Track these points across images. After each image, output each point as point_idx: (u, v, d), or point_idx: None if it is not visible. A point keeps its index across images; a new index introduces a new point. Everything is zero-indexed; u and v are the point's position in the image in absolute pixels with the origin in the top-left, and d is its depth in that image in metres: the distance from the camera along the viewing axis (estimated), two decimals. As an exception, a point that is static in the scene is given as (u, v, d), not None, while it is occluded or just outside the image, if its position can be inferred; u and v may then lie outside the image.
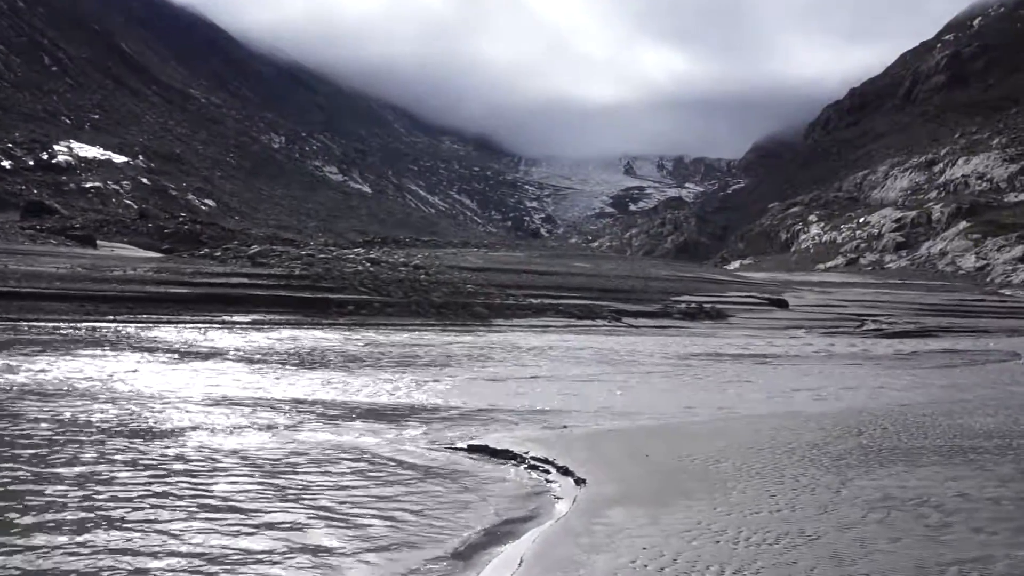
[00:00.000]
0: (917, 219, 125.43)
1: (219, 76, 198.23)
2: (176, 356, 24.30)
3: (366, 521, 9.00)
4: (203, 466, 11.08)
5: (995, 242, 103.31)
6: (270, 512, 9.19)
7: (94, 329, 32.14)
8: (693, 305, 52.12)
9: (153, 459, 11.36)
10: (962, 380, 23.51)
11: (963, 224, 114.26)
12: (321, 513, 9.23)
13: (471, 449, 12.73)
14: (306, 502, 9.62)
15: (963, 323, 51.60)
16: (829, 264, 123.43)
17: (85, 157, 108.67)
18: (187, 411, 15.13)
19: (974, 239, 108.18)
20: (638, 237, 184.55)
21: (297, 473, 10.94)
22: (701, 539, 7.92)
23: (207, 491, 9.91)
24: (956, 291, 79.81)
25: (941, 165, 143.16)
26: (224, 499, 9.60)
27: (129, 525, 8.56)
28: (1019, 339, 42.29)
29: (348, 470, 11.21)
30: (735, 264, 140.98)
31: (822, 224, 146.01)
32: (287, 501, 9.63)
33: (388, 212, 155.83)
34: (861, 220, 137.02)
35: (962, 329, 48.35)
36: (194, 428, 13.59)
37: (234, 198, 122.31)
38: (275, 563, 7.73)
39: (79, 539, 8.12)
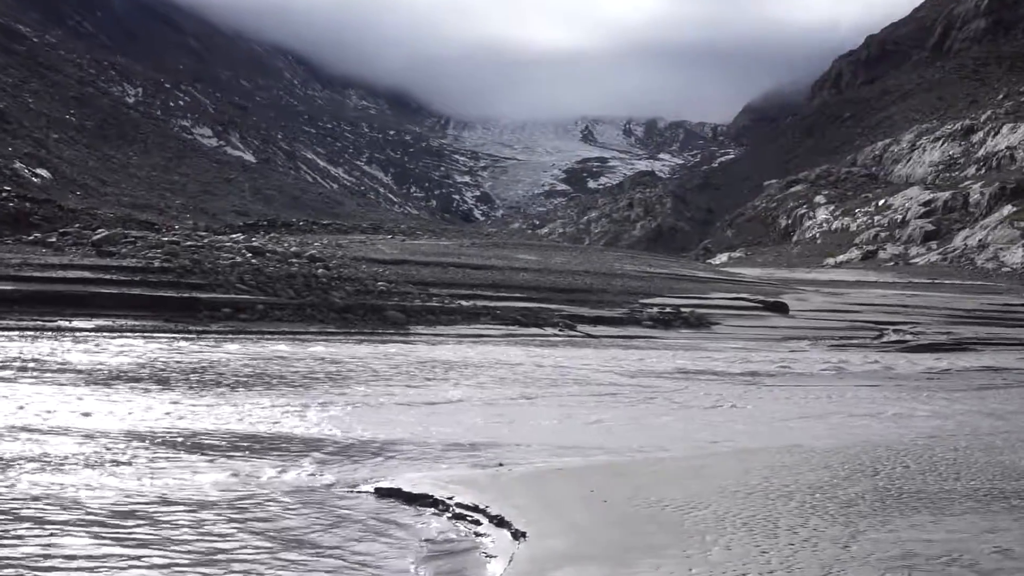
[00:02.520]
0: (951, 202, 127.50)
1: (55, 9, 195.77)
2: (-5, 373, 23.90)
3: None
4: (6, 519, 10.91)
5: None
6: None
7: None
8: (668, 310, 52.41)
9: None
10: (1005, 406, 23.89)
11: (1008, 209, 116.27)
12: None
13: (379, 493, 12.68)
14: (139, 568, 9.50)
15: (1007, 334, 52.47)
16: (841, 258, 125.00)
17: None
18: None
19: (1021, 228, 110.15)
20: (599, 222, 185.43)
21: (127, 524, 10.80)
22: (672, 608, 7.95)
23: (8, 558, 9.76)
24: (999, 293, 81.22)
25: (981, 134, 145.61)
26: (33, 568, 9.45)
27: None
28: (1076, 354, 43.12)
29: (199, 523, 11.08)
30: (722, 257, 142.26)
31: (832, 208, 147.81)
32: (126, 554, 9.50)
33: (277, 187, 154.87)
34: (881, 203, 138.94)
35: (1006, 341, 49.17)
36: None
37: (75, 168, 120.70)
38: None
39: None
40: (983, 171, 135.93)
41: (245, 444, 15.91)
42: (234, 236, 58.41)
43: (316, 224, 77.52)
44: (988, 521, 10.64)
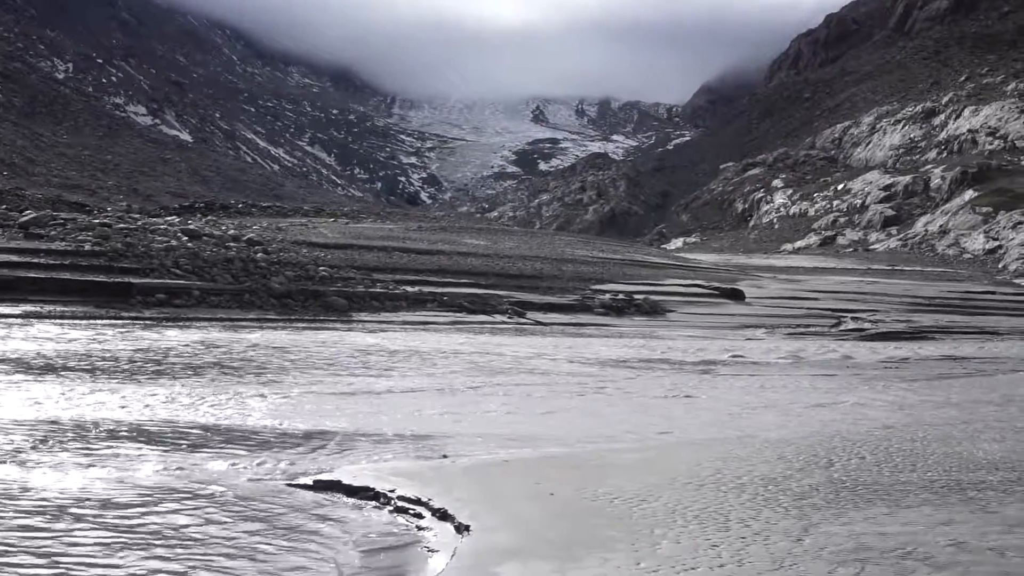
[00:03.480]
0: (911, 186, 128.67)
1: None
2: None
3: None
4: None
5: (1009, 217, 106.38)
6: None
7: None
8: (620, 296, 52.60)
9: None
10: (963, 396, 24.14)
11: (969, 194, 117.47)
12: None
13: (318, 486, 12.66)
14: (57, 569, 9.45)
15: (967, 322, 53.04)
16: (799, 244, 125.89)
17: None
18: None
19: (983, 213, 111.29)
20: (550, 205, 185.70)
21: (44, 527, 10.73)
22: (619, 604, 7.99)
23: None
24: (960, 281, 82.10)
25: (942, 117, 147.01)
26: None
27: None
28: (1037, 343, 43.64)
29: (122, 522, 11.01)
30: (677, 242, 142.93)
31: (790, 192, 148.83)
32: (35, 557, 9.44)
33: (215, 168, 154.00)
34: (840, 187, 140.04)
35: (966, 330, 49.69)
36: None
37: (2, 146, 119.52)
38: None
39: None
40: (944, 155, 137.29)
41: (176, 436, 15.82)
42: (169, 219, 58.08)
43: (255, 206, 77.24)
44: (944, 513, 10.76)
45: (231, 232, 51.86)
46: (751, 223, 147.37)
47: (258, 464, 13.94)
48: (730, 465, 13.38)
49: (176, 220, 56.49)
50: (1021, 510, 10.89)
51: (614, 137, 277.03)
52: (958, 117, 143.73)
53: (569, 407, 20.71)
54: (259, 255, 47.36)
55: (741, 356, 33.82)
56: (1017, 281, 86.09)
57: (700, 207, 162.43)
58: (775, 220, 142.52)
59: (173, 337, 31.93)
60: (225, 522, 11.01)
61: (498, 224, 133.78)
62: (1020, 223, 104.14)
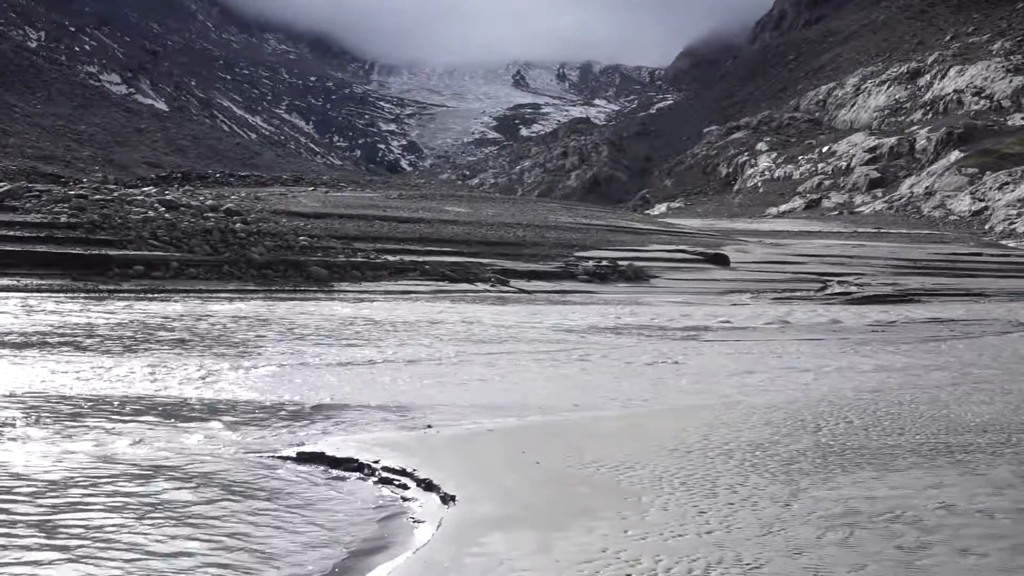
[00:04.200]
0: (897, 148, 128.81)
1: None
2: None
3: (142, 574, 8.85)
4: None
5: (996, 178, 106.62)
6: None
7: None
8: (604, 263, 52.65)
9: None
10: (951, 358, 24.25)
11: (955, 155, 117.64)
12: (70, 556, 9.05)
13: (301, 458, 12.66)
14: (58, 541, 9.44)
15: (954, 284, 53.22)
16: (784, 207, 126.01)
17: None
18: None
19: (969, 174, 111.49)
20: (532, 172, 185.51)
21: (37, 499, 10.73)
22: (606, 572, 8.01)
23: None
24: (946, 243, 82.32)
25: (927, 77, 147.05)
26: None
27: None
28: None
29: (114, 493, 11.01)
30: (661, 207, 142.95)
31: (774, 155, 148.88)
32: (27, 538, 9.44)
33: (192, 137, 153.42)
34: (825, 149, 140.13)
35: (953, 292, 49.86)
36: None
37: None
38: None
39: None
40: (930, 116, 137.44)
41: (161, 408, 15.81)
42: (146, 189, 57.91)
43: (233, 176, 77.07)
44: (933, 476, 10.81)
45: (209, 202, 51.75)
46: (735, 187, 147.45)
47: (240, 437, 13.93)
48: (717, 431, 13.41)
49: (153, 191, 56.32)
50: (1010, 472, 10.94)
51: (596, 101, 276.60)
52: (943, 77, 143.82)
53: (554, 375, 20.74)
54: (238, 225, 47.28)
55: (727, 322, 33.89)
56: (1004, 242, 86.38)
57: (684, 172, 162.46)
58: (759, 184, 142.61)
59: (152, 309, 31.86)
60: (208, 495, 11.01)
61: (480, 191, 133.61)
62: (1006, 184, 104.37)
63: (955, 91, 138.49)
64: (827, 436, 12.98)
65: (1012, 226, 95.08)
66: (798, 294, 48.58)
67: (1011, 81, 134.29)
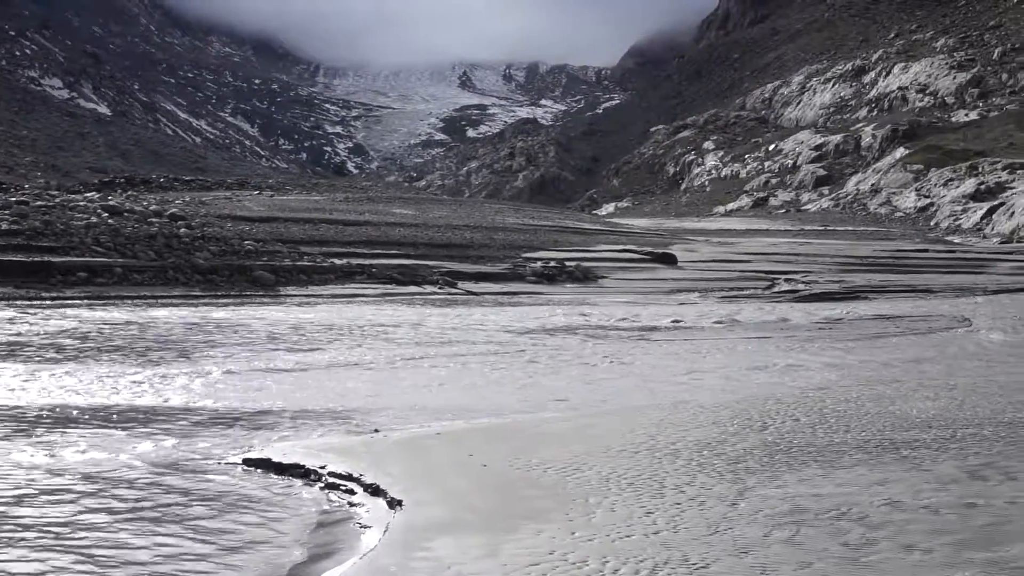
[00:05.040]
0: (843, 145, 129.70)
1: None
2: None
3: None
4: None
5: (940, 175, 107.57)
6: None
7: None
8: (552, 264, 52.70)
9: None
10: (897, 355, 24.46)
11: (900, 151, 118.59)
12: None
13: (248, 464, 12.62)
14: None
15: (900, 281, 53.64)
16: (731, 206, 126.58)
17: None
18: None
19: (914, 171, 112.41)
20: (479, 173, 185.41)
21: None
22: (554, 574, 8.03)
23: None
24: (892, 239, 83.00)
25: (872, 74, 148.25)
26: None
27: None
28: (969, 300, 44.27)
29: (60, 501, 10.94)
30: (609, 207, 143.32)
31: (721, 153, 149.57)
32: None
33: (135, 142, 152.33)
34: (771, 148, 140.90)
35: (899, 288, 50.27)
36: None
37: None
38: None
39: None
40: (875, 113, 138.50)
41: (106, 416, 15.71)
42: (89, 195, 57.45)
43: (178, 180, 76.47)
44: (878, 473, 10.91)
45: (153, 207, 51.39)
46: (683, 186, 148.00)
47: (185, 444, 13.86)
48: (664, 431, 13.47)
49: (96, 196, 55.87)
50: (955, 467, 11.06)
51: (543, 102, 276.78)
52: (888, 74, 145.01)
53: (502, 377, 20.76)
54: (182, 230, 46.97)
55: (675, 321, 34.02)
56: (949, 238, 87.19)
57: (631, 171, 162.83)
58: (707, 183, 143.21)
59: (95, 316, 31.62)
60: (153, 503, 10.95)
61: (426, 193, 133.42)
62: (951, 180, 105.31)
63: (900, 88, 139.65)
64: (774, 434, 13.08)
65: (957, 222, 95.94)
66: (746, 292, 48.83)
67: (955, 78, 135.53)
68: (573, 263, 53.27)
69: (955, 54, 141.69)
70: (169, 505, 10.84)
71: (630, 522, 9.31)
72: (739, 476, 10.95)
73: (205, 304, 37.44)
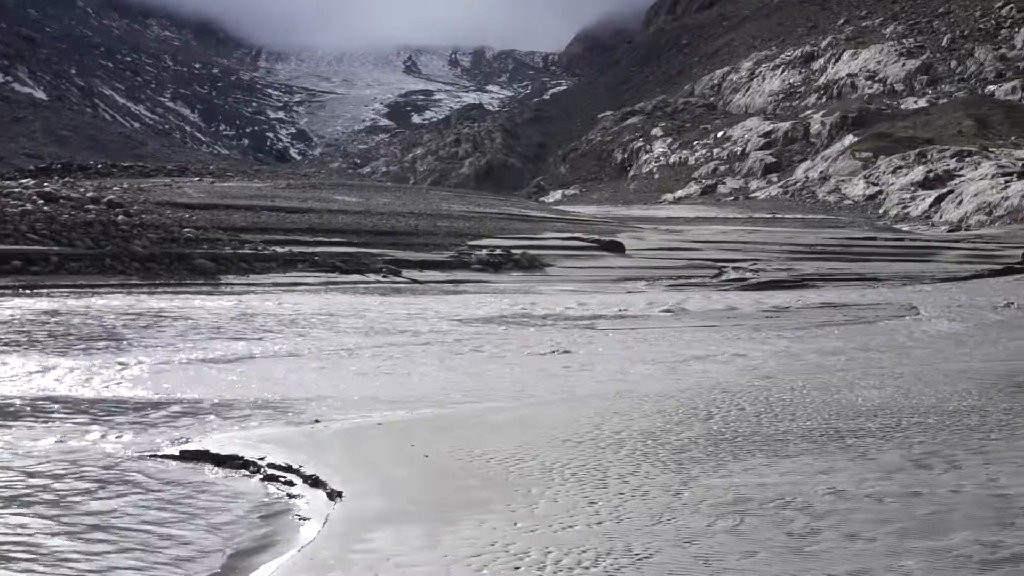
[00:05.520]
0: (791, 133, 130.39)
1: None
2: None
3: None
4: None
5: (889, 162, 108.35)
6: None
7: None
8: (498, 252, 52.72)
9: None
10: (843, 343, 24.64)
11: (849, 139, 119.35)
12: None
13: (185, 456, 12.55)
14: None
15: (849, 269, 54.05)
16: (679, 193, 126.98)
17: None
18: None
19: (863, 159, 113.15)
20: (424, 160, 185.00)
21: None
22: (495, 566, 8.03)
23: None
24: (841, 227, 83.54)
25: (821, 61, 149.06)
26: None
27: None
28: (917, 288, 44.67)
29: None
30: (556, 195, 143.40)
31: (669, 140, 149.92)
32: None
33: (72, 127, 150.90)
34: (720, 135, 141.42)
35: (847, 277, 50.65)
36: None
37: None
38: None
39: None
40: (824, 100, 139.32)
41: (32, 409, 15.57)
42: (24, 181, 57.00)
43: (116, 167, 75.88)
44: (823, 462, 10.97)
45: (90, 194, 50.98)
46: (631, 173, 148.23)
47: (120, 436, 13.76)
48: (609, 421, 13.50)
49: (31, 183, 55.39)
50: (899, 456, 11.14)
51: (489, 88, 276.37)
52: (837, 61, 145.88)
53: (446, 367, 20.75)
54: (120, 218, 46.64)
55: (622, 310, 34.12)
56: (898, 226, 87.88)
57: (579, 158, 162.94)
58: (655, 170, 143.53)
59: (28, 305, 31.35)
60: (86, 496, 10.87)
61: (371, 180, 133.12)
62: (900, 168, 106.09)
63: (849, 75, 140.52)
64: (719, 423, 13.13)
65: (906, 210, 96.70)
66: (693, 281, 49.07)
67: (904, 65, 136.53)
68: (519, 251, 53.32)
69: (904, 41, 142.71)
70: (98, 499, 10.75)
71: (573, 513, 9.32)
72: (683, 466, 10.99)
73: (143, 293, 37.22)
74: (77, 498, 10.81)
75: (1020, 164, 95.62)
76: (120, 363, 20.28)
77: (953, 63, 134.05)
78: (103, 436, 13.72)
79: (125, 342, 23.70)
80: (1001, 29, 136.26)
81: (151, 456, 12.63)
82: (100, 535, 9.62)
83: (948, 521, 8.69)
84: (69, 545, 9.39)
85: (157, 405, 16.05)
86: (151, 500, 10.84)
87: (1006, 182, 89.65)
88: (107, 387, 17.62)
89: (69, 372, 19.07)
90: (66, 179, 62.90)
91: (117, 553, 9.15)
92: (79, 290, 37.30)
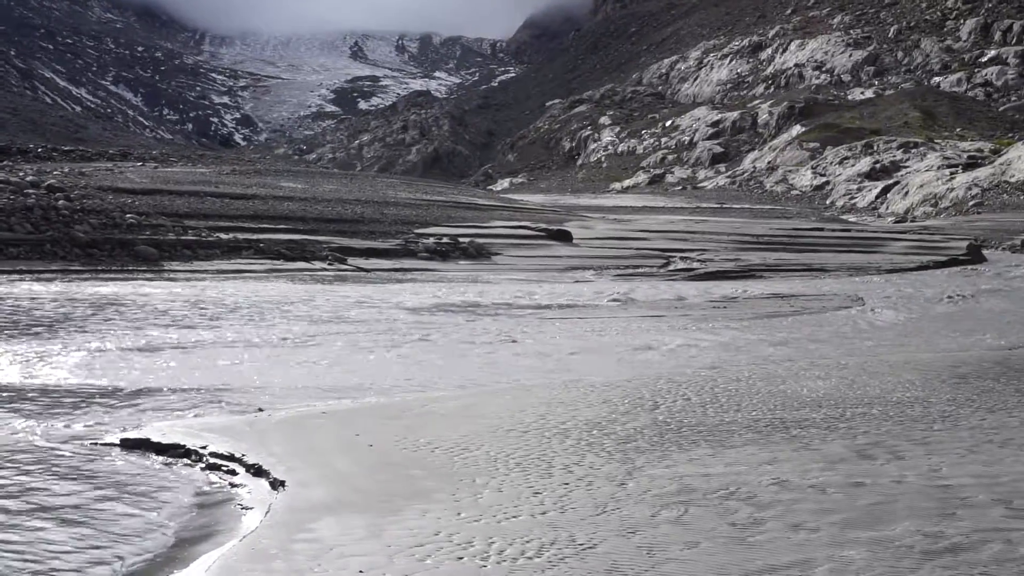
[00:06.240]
0: (739, 122, 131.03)
1: None
2: None
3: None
4: None
5: (836, 153, 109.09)
6: None
7: None
8: (445, 240, 52.65)
9: None
10: (790, 334, 24.83)
11: (797, 129, 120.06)
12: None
13: (125, 445, 12.49)
14: None
15: (796, 259, 54.33)
16: (627, 183, 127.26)
17: None
18: None
19: (811, 149, 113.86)
20: (371, 146, 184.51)
21: None
22: (438, 556, 8.06)
23: None
24: (788, 217, 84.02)
25: (769, 51, 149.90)
26: None
27: None
28: (863, 279, 45.01)
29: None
30: (504, 183, 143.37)
31: (617, 129, 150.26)
32: None
33: (11, 110, 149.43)
34: (668, 124, 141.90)
35: (794, 267, 50.90)
36: None
37: None
38: None
39: None
40: (772, 90, 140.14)
41: (-26, 396, 15.45)
42: (-38, 165, 56.29)
43: (56, 151, 75.18)
44: (768, 452, 11.08)
45: (30, 178, 50.47)
46: (579, 162, 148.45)
47: (60, 423, 13.67)
48: (554, 410, 13.56)
49: (-31, 167, 54.77)
50: (843, 447, 11.27)
51: (436, 74, 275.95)
52: (785, 51, 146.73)
53: (392, 356, 20.75)
54: (61, 203, 46.21)
55: (569, 299, 34.20)
56: (845, 217, 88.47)
57: (527, 146, 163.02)
58: (603, 159, 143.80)
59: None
60: (23, 485, 10.79)
61: (317, 166, 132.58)
62: (847, 158, 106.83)
63: (796, 65, 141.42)
64: (664, 414, 13.22)
65: (852, 201, 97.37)
66: (641, 270, 49.19)
67: (851, 55, 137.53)
68: (467, 239, 53.26)
69: (851, 31, 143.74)
70: (34, 490, 10.67)
71: (517, 502, 9.37)
72: (628, 456, 11.07)
73: (84, 279, 36.92)
74: (12, 487, 10.73)
75: (965, 156, 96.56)
76: (59, 350, 20.13)
77: (899, 54, 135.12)
78: (40, 424, 13.62)
79: (65, 329, 23.52)
80: (947, 21, 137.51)
81: (90, 444, 12.56)
82: (36, 523, 9.56)
83: (891, 511, 8.80)
84: (4, 526, 9.33)
85: (97, 393, 15.95)
86: (89, 488, 10.78)
87: (951, 174, 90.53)
88: (45, 374, 17.49)
89: (5, 358, 18.91)
90: (5, 163, 62.26)
91: (52, 541, 9.09)
92: (17, 275, 36.96)
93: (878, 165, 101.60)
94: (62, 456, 12.01)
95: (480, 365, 19.44)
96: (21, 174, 52.51)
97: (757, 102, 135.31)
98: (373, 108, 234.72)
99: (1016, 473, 10.00)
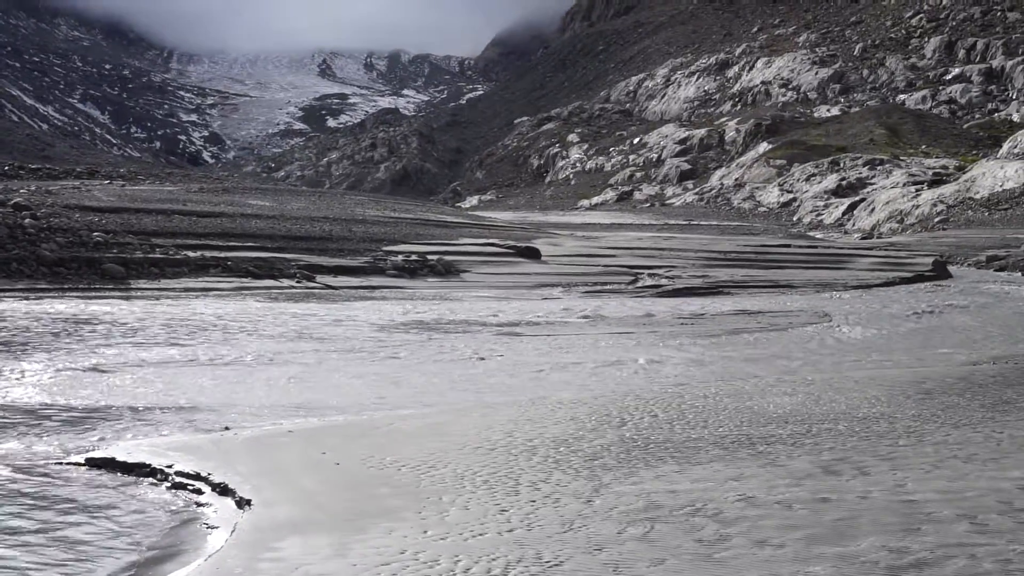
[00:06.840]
0: (707, 140, 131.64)
1: None
2: None
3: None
4: None
5: (803, 170, 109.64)
6: None
7: None
8: (414, 257, 52.59)
9: None
10: (756, 351, 24.89)
11: (764, 146, 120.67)
12: None
13: (91, 464, 12.42)
14: None
15: (762, 276, 54.46)
16: (596, 200, 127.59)
17: None
18: None
19: (777, 166, 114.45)
20: (340, 164, 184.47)
21: None
22: (405, 574, 8.05)
23: None
24: (756, 234, 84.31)
25: (736, 69, 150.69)
26: None
27: None
28: (830, 295, 45.18)
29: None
30: (472, 200, 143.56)
31: (586, 147, 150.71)
32: None
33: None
34: (636, 141, 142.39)
35: (761, 284, 51.04)
36: None
37: None
38: None
39: None
40: (739, 107, 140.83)
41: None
42: (-73, 183, 55.98)
43: (23, 168, 74.80)
44: (734, 469, 11.10)
45: (-4, 197, 50.25)
46: (547, 179, 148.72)
47: (24, 443, 13.59)
48: (522, 428, 13.55)
49: (-65, 185, 54.48)
50: (809, 463, 11.29)
51: (405, 92, 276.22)
52: (751, 69, 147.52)
53: (360, 374, 20.70)
54: (27, 221, 45.97)
55: (537, 316, 34.21)
56: (811, 233, 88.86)
57: (495, 164, 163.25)
58: (571, 176, 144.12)
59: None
60: (-12, 506, 10.73)
61: (285, 184, 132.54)
62: (813, 175, 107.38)
63: (763, 83, 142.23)
64: (632, 431, 13.22)
65: (819, 217, 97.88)
66: (609, 287, 49.21)
67: (817, 73, 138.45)
68: (435, 257, 53.22)
69: (817, 49, 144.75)
70: (2, 508, 10.61)
71: (484, 520, 9.35)
72: (595, 473, 11.07)
73: (51, 297, 36.73)
74: (-21, 507, 10.67)
75: (931, 173, 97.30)
76: (23, 369, 20.01)
77: (865, 72, 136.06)
78: (4, 443, 13.53)
79: (30, 347, 23.38)
80: (912, 39, 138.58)
81: (56, 463, 12.49)
82: (2, 542, 9.50)
83: (856, 527, 8.82)
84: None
85: (62, 411, 15.86)
86: (55, 508, 10.72)
87: (917, 191, 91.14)
88: (8, 393, 17.38)
89: (-27, 379, 18.80)
90: (-29, 181, 61.99)
91: (16, 562, 9.03)
92: (-16, 295, 36.75)
93: (844, 182, 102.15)
94: (24, 474, 11.94)
95: (448, 382, 19.42)
96: (-13, 192, 52.22)
97: (724, 119, 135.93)
98: (341, 126, 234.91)
99: (980, 488, 10.03)
